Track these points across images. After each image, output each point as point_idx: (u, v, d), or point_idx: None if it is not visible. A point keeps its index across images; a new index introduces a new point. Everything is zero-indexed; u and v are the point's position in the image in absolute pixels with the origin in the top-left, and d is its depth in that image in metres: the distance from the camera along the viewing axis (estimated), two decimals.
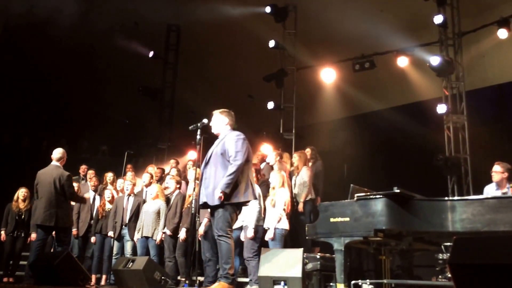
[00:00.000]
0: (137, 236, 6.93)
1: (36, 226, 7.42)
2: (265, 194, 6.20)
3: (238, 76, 11.36)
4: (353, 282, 5.14)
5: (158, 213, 6.85)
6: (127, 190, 7.46)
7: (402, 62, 9.39)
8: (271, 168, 7.16)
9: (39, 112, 13.00)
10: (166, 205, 6.91)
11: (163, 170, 8.60)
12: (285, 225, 5.89)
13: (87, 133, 13.46)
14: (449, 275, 4.44)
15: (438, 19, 8.36)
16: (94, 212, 7.80)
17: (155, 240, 6.77)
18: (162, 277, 5.74)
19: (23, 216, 8.04)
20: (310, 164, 7.47)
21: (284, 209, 5.88)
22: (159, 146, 12.07)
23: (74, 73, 11.87)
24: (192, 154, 9.73)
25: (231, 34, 10.69)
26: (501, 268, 2.66)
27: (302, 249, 5.15)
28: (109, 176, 8.50)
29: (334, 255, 4.93)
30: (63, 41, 11.01)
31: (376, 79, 10.03)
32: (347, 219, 4.76)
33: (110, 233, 7.35)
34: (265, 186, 6.44)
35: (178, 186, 7.11)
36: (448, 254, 4.06)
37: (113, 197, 7.78)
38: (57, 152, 6.33)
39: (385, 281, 5.59)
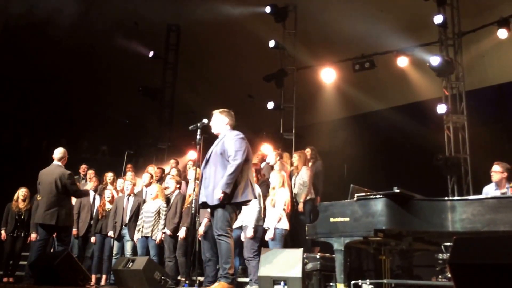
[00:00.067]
0: (137, 236, 6.93)
1: (37, 226, 7.44)
2: (265, 194, 6.20)
3: (238, 76, 11.36)
4: (353, 282, 5.14)
5: (158, 213, 6.85)
6: (127, 190, 7.46)
7: (402, 62, 9.39)
8: (271, 168, 7.17)
9: (39, 112, 13.01)
10: (166, 205, 6.92)
11: (163, 170, 8.61)
12: (285, 225, 5.89)
13: (87, 133, 13.46)
14: (449, 275, 4.44)
15: (438, 19, 8.36)
16: (94, 212, 7.80)
17: (155, 240, 6.77)
18: (162, 277, 5.74)
19: (23, 216, 8.05)
20: (310, 164, 7.47)
21: (284, 209, 5.89)
22: (159, 146, 12.08)
23: (74, 73, 11.88)
24: (192, 154, 9.73)
25: (231, 34, 10.69)
26: (501, 268, 2.66)
27: (302, 249, 5.15)
28: (109, 176, 8.50)
29: (334, 255, 4.93)
30: (63, 41, 11.02)
31: (376, 79, 10.03)
32: (347, 219, 4.76)
33: (110, 233, 7.35)
34: (265, 186, 6.44)
35: (178, 186, 7.12)
36: (448, 254, 4.06)
37: (113, 197, 7.78)
38: (58, 152, 6.34)
39: (385, 281, 5.59)
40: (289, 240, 6.43)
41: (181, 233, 6.50)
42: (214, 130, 4.87)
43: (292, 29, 10.28)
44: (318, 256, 5.74)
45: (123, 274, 5.96)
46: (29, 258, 7.63)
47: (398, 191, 4.67)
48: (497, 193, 5.35)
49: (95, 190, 8.02)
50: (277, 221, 5.82)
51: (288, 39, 10.30)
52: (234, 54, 11.16)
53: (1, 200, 8.52)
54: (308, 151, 7.66)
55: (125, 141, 12.24)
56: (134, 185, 7.67)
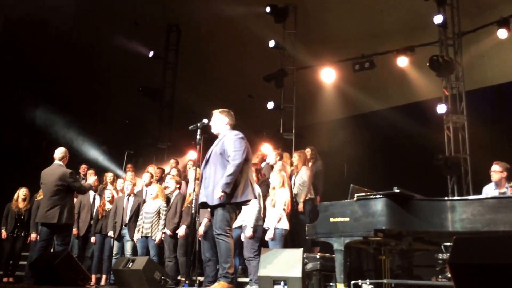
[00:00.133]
0: (137, 236, 6.93)
1: (37, 226, 7.44)
2: (265, 194, 6.20)
3: (238, 76, 11.35)
4: (353, 282, 5.14)
5: (158, 213, 6.85)
6: (127, 190, 7.46)
7: (402, 62, 9.39)
8: (271, 168, 7.17)
9: (39, 112, 12.98)
10: (166, 205, 6.92)
11: (163, 170, 8.61)
12: (285, 225, 5.89)
13: (87, 133, 13.44)
14: (449, 275, 4.44)
15: (438, 19, 8.36)
16: (94, 212, 7.80)
17: (155, 240, 6.77)
18: (162, 277, 5.74)
19: (22, 216, 8.05)
20: (310, 164, 7.48)
21: (284, 209, 5.89)
22: (159, 146, 12.08)
23: (74, 73, 11.87)
24: (192, 154, 9.72)
25: (231, 34, 10.69)
26: (501, 268, 2.66)
27: (302, 249, 5.15)
28: (109, 176, 8.50)
29: (334, 255, 4.93)
30: (63, 41, 11.01)
31: (376, 79, 10.02)
32: (347, 219, 4.76)
33: (110, 233, 7.35)
34: (265, 185, 6.44)
35: (178, 186, 7.12)
36: (448, 254, 4.06)
37: (113, 197, 7.78)
38: (59, 152, 6.35)
39: (385, 281, 5.59)
40: (289, 240, 6.43)
41: (181, 231, 6.50)
42: (214, 130, 4.87)
43: (292, 29, 10.27)
44: (318, 256, 5.74)
45: (123, 274, 5.96)
46: (29, 258, 7.66)
47: (398, 191, 4.67)
48: (497, 193, 5.36)
49: (95, 190, 8.02)
50: (277, 221, 5.82)
51: (288, 39, 10.30)
52: (234, 54, 11.16)
53: (1, 200, 8.52)
54: (308, 151, 7.66)
55: (125, 141, 12.23)
56: (134, 185, 7.67)
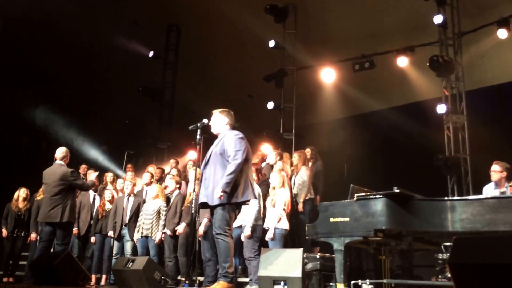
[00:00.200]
0: (137, 236, 6.93)
1: (37, 226, 7.44)
2: (265, 194, 6.20)
3: (238, 76, 11.35)
4: (353, 282, 5.15)
5: (158, 213, 6.85)
6: (127, 190, 7.46)
7: (402, 62, 9.39)
8: (271, 168, 7.17)
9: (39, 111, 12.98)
10: (166, 205, 6.92)
11: (163, 170, 8.61)
12: (285, 225, 5.89)
13: (87, 133, 13.43)
14: (449, 275, 4.44)
15: (438, 19, 8.36)
16: (94, 212, 7.80)
17: (155, 240, 6.77)
18: (162, 277, 5.74)
19: (22, 216, 8.05)
20: (310, 164, 7.48)
21: (284, 209, 5.89)
22: (159, 146, 12.08)
23: (74, 73, 11.86)
24: (192, 154, 9.72)
25: (231, 34, 10.69)
26: (501, 268, 2.66)
27: (302, 249, 5.15)
28: (109, 176, 8.50)
29: (334, 255, 4.93)
30: (63, 41, 11.01)
31: (376, 79, 10.02)
32: (347, 219, 4.77)
33: (110, 233, 7.35)
34: (265, 185, 6.44)
35: (178, 186, 7.12)
36: (448, 254, 4.06)
37: (113, 197, 7.78)
38: (60, 151, 6.36)
39: (385, 281, 5.59)
40: (289, 240, 6.43)
41: (180, 228, 6.51)
42: (213, 130, 4.87)
43: (292, 29, 10.27)
44: (318, 256, 5.74)
45: (123, 274, 5.96)
46: (29, 258, 7.66)
47: (398, 191, 4.67)
48: (496, 193, 5.36)
49: (95, 190, 8.02)
50: (277, 221, 5.82)
51: (288, 39, 10.30)
52: (234, 54, 11.16)
53: (1, 200, 8.52)
54: (308, 151, 7.66)
55: (125, 141, 12.23)
56: (134, 185, 7.67)
